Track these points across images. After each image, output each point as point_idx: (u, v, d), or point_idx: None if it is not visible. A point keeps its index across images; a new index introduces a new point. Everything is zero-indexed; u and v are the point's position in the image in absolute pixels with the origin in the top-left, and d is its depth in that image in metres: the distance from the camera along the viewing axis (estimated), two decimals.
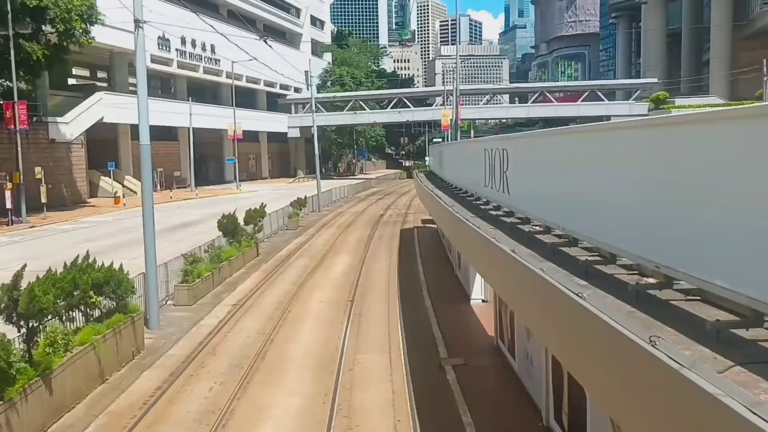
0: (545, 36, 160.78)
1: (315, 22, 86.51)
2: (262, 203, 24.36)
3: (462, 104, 50.31)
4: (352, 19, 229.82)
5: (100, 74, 58.54)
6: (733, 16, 65.22)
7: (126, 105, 38.59)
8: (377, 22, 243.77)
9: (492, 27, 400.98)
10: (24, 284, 8.67)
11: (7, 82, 32.17)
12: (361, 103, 73.41)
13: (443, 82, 72.42)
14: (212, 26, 26.66)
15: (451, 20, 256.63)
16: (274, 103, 74.30)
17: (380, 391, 10.27)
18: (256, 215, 22.97)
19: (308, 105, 57.17)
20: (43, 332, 9.15)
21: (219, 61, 58.96)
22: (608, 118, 55.19)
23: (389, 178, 77.99)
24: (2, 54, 31.21)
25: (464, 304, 15.94)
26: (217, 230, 20.44)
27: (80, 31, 33.25)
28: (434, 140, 56.02)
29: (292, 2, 78.18)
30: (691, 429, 2.95)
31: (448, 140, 44.22)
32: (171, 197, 44.99)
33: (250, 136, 66.49)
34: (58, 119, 39.90)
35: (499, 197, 9.41)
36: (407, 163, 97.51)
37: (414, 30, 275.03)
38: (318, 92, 67.25)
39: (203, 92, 62.89)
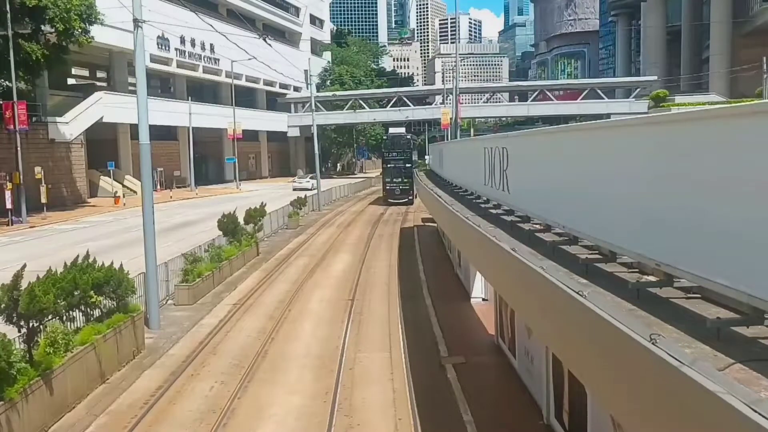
0: (545, 34, 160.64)
1: (314, 21, 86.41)
2: (262, 202, 24.33)
3: (462, 103, 50.30)
4: (351, 17, 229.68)
5: (100, 74, 58.46)
6: (732, 13, 65.10)
7: (125, 105, 38.55)
8: (377, 21, 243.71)
9: (494, 25, 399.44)
10: (24, 284, 8.67)
11: (7, 82, 32.13)
12: (360, 101, 73.29)
13: (443, 81, 72.33)
14: (211, 25, 26.63)
15: (451, 19, 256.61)
16: (274, 102, 74.23)
17: (381, 389, 10.27)
18: (256, 214, 22.95)
19: (308, 104, 57.11)
20: (43, 332, 9.16)
21: (218, 60, 58.93)
22: (608, 116, 55.20)
23: None
24: (2, 54, 31.17)
25: (464, 302, 15.93)
26: (217, 230, 20.45)
27: (79, 30, 33.26)
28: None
29: (291, 1, 78.07)
30: (691, 426, 2.94)
31: (447, 139, 44.17)
32: (171, 197, 44.99)
33: (250, 136, 66.47)
34: (58, 119, 39.88)
35: (499, 195, 9.41)
36: None
37: (413, 28, 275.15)
38: (318, 91, 67.18)
39: (203, 92, 62.85)
